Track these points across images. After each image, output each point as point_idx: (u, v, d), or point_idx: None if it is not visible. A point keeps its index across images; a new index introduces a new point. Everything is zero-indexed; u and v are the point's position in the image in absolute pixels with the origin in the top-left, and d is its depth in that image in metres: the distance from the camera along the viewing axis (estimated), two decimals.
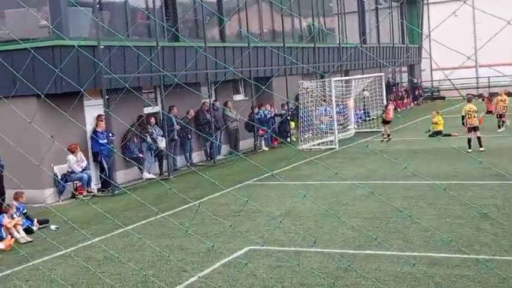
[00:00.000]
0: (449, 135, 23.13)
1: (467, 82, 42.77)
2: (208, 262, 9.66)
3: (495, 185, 13.61)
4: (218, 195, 14.77)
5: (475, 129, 19.14)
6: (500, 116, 24.07)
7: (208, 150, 21.48)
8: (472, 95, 23.16)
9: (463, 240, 9.89)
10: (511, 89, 26.12)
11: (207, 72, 20.56)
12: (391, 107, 25.05)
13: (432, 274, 8.37)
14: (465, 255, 8.99)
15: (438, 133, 23.25)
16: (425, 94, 42.12)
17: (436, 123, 23.84)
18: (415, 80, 42.15)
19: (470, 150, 18.54)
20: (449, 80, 41.24)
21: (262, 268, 9.20)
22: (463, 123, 19.57)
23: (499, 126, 24.01)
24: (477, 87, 43.65)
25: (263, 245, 10.20)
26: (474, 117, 19.07)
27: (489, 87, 42.13)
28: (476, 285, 7.91)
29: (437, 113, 24.28)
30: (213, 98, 22.36)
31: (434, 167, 16.89)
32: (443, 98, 43.11)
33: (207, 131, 20.69)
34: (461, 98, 42.26)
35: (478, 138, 19.08)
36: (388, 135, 23.61)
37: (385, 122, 23.92)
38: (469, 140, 18.98)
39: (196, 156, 21.39)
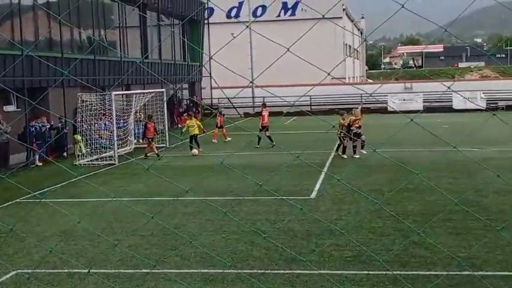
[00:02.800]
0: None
1: (245, 101, 44.93)
2: None
3: (268, 201, 14.28)
4: None
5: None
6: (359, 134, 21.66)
7: None
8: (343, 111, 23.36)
9: (237, 255, 10.17)
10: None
11: None
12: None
13: None
14: (239, 270, 9.22)
15: (194, 136, 23.90)
16: (205, 111, 43.30)
17: (191, 126, 24.25)
18: (194, 98, 43.21)
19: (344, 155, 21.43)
20: (228, 98, 42.94)
21: None
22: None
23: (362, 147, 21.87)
24: (253, 106, 46.12)
25: (26, 270, 9.45)
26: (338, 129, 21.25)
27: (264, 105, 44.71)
28: None
29: (195, 117, 25.48)
30: None
31: (212, 182, 17.26)
32: (222, 115, 44.71)
33: None
34: (239, 115, 44.29)
35: (343, 146, 21.54)
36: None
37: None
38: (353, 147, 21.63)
39: None
